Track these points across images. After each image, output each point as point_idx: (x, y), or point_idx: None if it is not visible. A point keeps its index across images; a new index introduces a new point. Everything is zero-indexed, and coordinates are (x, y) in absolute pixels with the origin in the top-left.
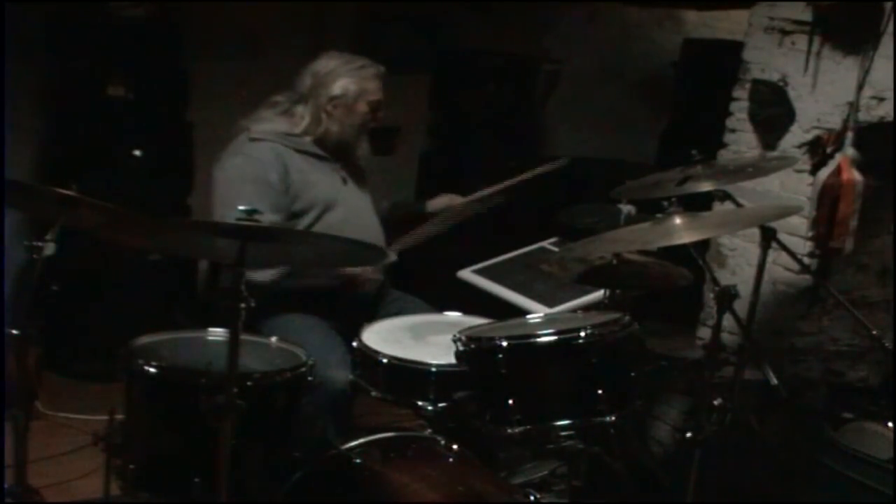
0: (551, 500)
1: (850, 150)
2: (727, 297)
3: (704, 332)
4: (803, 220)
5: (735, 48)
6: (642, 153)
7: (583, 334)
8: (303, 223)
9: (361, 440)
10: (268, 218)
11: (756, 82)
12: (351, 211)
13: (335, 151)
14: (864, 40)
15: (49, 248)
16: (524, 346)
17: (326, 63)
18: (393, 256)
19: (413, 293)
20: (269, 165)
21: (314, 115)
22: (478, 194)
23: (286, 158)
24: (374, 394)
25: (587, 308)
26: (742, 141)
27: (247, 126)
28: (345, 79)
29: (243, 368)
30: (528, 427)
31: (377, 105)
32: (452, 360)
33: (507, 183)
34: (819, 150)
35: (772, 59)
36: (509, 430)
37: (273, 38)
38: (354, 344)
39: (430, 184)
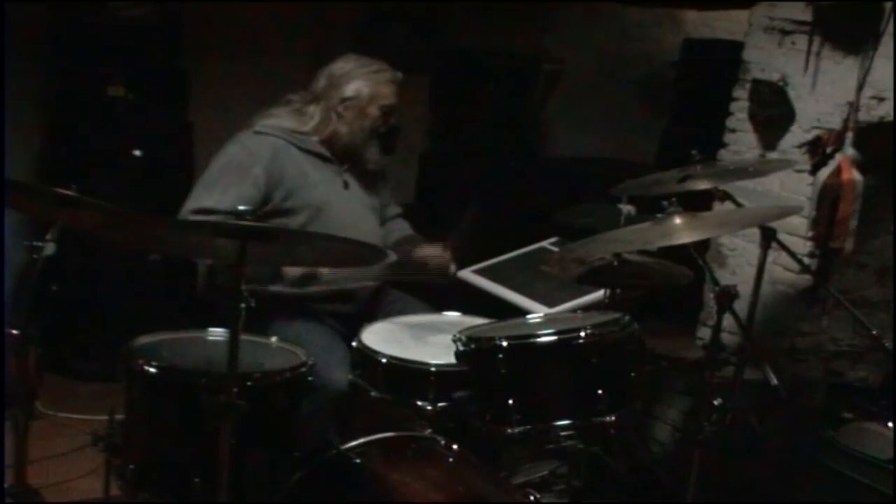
0: (551, 500)
1: (850, 150)
2: (727, 297)
3: (704, 332)
4: (803, 220)
5: (735, 48)
6: (642, 153)
7: (583, 334)
8: (294, 222)
9: (361, 440)
10: (227, 206)
11: (756, 82)
12: (347, 216)
13: (342, 154)
14: (864, 40)
15: (49, 248)
16: (524, 346)
17: (343, 65)
18: (393, 257)
19: (413, 293)
20: (259, 159)
21: (324, 115)
22: (459, 238)
23: (284, 155)
24: (373, 394)
25: (587, 308)
26: (742, 141)
27: (258, 121)
28: (359, 81)
29: (243, 368)
30: (528, 427)
31: (390, 110)
32: (452, 360)
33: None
34: (819, 150)
35: (772, 59)
36: (509, 430)
37: (273, 38)
38: (354, 344)
39: (431, 184)
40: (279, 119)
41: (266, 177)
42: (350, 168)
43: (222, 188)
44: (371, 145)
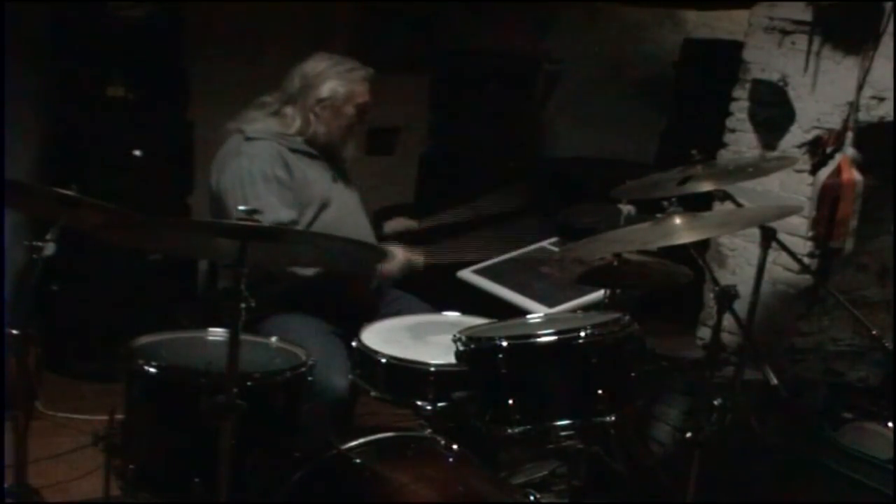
0: (551, 500)
1: (850, 150)
2: (727, 297)
3: (704, 332)
4: (803, 220)
5: (735, 48)
6: (642, 153)
7: (583, 334)
8: (302, 221)
9: (361, 440)
10: (287, 214)
11: (756, 82)
12: (344, 209)
13: (323, 151)
14: (864, 40)
15: (49, 248)
16: (524, 346)
17: (315, 65)
18: (394, 255)
19: (413, 293)
20: (274, 162)
21: (303, 117)
22: (432, 220)
23: (285, 156)
24: (373, 394)
25: (587, 308)
26: (742, 141)
27: (237, 128)
28: (333, 81)
29: (243, 368)
30: (528, 427)
31: (364, 107)
32: (452, 360)
33: (461, 214)
34: (819, 150)
35: (772, 59)
36: (509, 430)
37: (273, 38)
38: (354, 344)
39: (430, 184)
40: (263, 123)
41: (286, 177)
42: (331, 164)
43: (259, 203)
44: (348, 142)
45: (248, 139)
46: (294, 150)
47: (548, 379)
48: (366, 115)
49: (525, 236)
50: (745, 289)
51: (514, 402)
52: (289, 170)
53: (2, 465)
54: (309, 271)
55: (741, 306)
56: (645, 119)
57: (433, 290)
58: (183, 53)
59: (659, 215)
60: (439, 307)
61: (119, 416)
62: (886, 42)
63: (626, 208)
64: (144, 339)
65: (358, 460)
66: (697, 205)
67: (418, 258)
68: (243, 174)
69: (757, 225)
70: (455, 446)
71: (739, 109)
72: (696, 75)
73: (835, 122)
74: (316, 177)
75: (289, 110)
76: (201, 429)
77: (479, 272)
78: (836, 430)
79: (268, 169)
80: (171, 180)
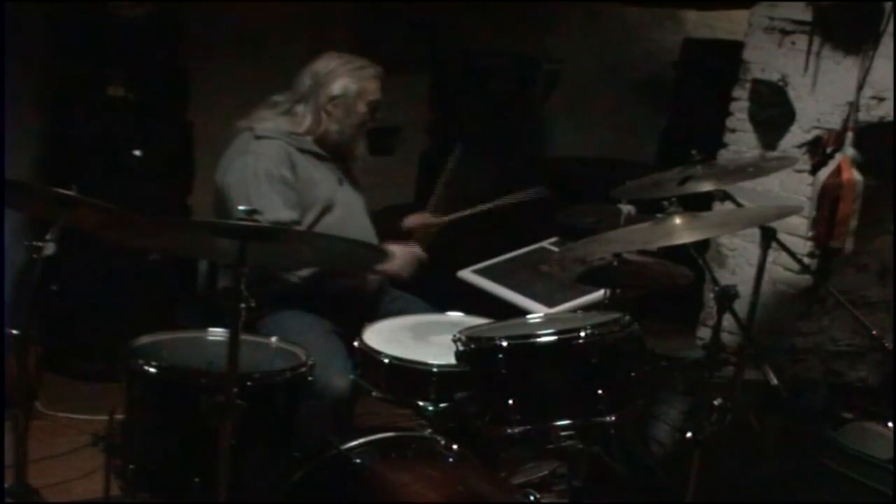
0: (551, 500)
1: (850, 150)
2: (727, 297)
3: (704, 332)
4: (803, 220)
5: (735, 48)
6: (642, 153)
7: (583, 334)
8: (304, 222)
9: (361, 440)
10: (288, 215)
11: (756, 82)
12: (347, 211)
13: (333, 151)
14: (864, 40)
15: (49, 248)
16: (524, 346)
17: (326, 63)
18: (394, 255)
19: (413, 293)
20: (280, 161)
21: (315, 115)
22: (454, 215)
23: (293, 156)
24: (375, 394)
25: (587, 308)
26: (742, 141)
27: (247, 126)
28: (345, 79)
29: (243, 368)
30: (528, 427)
31: (376, 105)
32: (454, 360)
33: (483, 207)
34: (819, 150)
35: (772, 59)
36: (509, 430)
37: (273, 38)
38: (356, 344)
39: (430, 184)
40: (274, 122)
41: (292, 177)
42: (339, 165)
43: (261, 202)
44: (359, 141)
45: (258, 137)
46: (302, 150)
47: (548, 379)
48: (376, 112)
49: (525, 236)
50: (745, 289)
51: (514, 402)
52: (295, 170)
53: (2, 465)
54: (304, 272)
55: (741, 306)
56: (645, 119)
57: (433, 290)
58: (183, 53)
59: (659, 215)
60: (440, 307)
61: (119, 416)
62: (886, 42)
63: (626, 208)
64: (144, 339)
65: (358, 460)
66: (697, 205)
67: (421, 254)
68: (248, 172)
69: (757, 225)
70: (455, 446)
71: (739, 109)
72: (696, 75)
73: (835, 122)
74: (322, 178)
75: (300, 109)
76: (201, 429)
77: (479, 272)
78: (836, 430)
79: (273, 168)
80: (171, 180)
